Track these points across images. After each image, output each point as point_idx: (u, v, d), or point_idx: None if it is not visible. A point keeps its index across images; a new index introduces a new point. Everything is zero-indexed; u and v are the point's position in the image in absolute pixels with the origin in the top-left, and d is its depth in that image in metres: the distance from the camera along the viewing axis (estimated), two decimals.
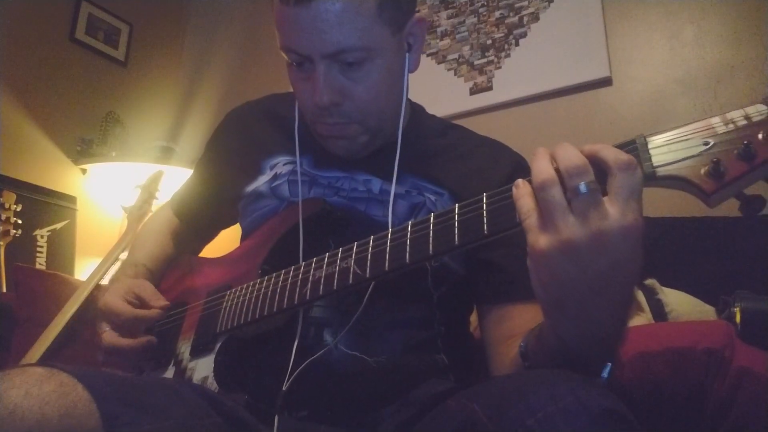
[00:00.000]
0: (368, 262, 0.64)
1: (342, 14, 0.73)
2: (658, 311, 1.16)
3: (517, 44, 2.01)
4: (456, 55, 2.13)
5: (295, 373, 0.72)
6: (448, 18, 2.18)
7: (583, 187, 0.47)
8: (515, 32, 2.03)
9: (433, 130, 0.96)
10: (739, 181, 0.47)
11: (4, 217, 1.87)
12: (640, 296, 1.20)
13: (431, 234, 0.59)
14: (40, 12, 2.32)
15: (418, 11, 0.85)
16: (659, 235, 1.46)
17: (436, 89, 2.12)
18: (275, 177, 0.91)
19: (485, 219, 0.56)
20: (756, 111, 0.48)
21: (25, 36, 2.26)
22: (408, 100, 0.92)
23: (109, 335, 0.87)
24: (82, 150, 2.34)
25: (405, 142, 0.86)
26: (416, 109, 0.98)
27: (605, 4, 1.87)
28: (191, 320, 0.88)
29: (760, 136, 0.47)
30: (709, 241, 1.37)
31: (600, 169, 0.49)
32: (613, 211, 0.47)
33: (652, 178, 0.49)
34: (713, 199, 0.48)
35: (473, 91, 2.06)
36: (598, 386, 0.49)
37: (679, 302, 1.18)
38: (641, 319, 1.14)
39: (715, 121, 0.49)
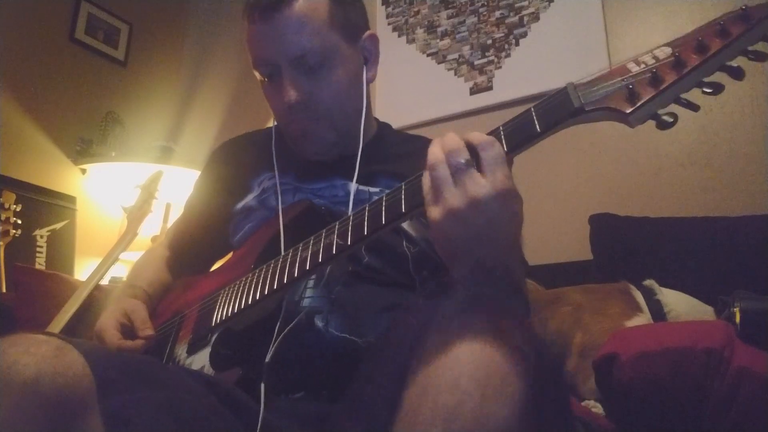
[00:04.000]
0: (349, 232, 0.69)
1: (298, 23, 0.86)
2: (658, 312, 1.16)
3: (517, 44, 2.01)
4: (456, 55, 2.13)
5: (281, 336, 0.76)
6: (448, 18, 2.18)
7: (461, 162, 0.59)
8: (515, 32, 2.03)
9: (398, 139, 1.06)
10: (650, 103, 0.56)
11: (3, 217, 1.87)
12: (639, 297, 1.20)
13: (403, 195, 0.66)
14: (40, 12, 2.32)
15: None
16: (659, 235, 1.46)
17: (436, 89, 2.12)
18: (263, 191, 0.97)
19: None
20: (662, 52, 0.58)
21: (25, 36, 2.26)
22: (375, 118, 1.06)
23: None
24: (82, 150, 2.34)
25: (373, 150, 0.95)
26: (382, 125, 1.07)
27: (605, 4, 1.87)
28: (187, 327, 0.89)
29: (666, 68, 0.57)
30: (709, 241, 1.37)
31: (474, 151, 0.61)
32: (485, 180, 0.58)
33: (581, 112, 0.59)
34: (632, 119, 0.57)
35: (473, 91, 2.06)
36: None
37: (679, 302, 1.19)
38: (640, 319, 1.14)
39: (630, 64, 0.59)
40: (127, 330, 0.88)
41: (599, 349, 0.91)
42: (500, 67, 2.03)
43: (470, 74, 2.08)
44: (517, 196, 0.60)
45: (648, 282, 1.23)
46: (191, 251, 1.10)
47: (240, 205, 0.98)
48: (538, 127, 0.61)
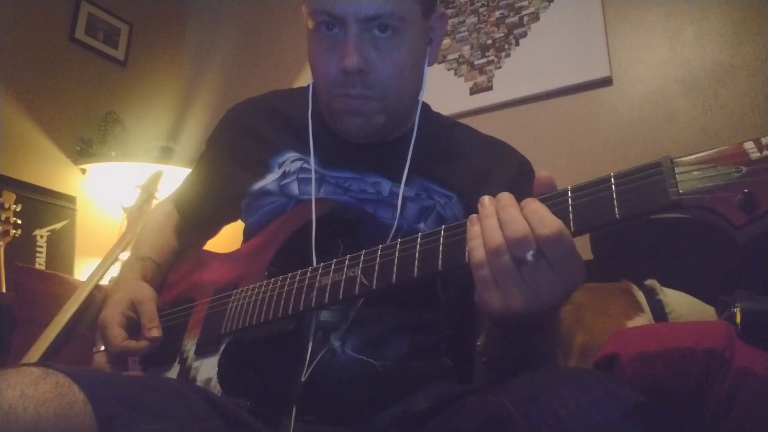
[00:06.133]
0: (375, 272, 0.64)
1: None
2: (659, 312, 1.16)
3: (517, 44, 2.01)
4: (456, 55, 2.13)
5: (310, 368, 0.72)
6: (448, 18, 2.18)
7: (529, 257, 0.52)
8: (515, 32, 2.03)
9: (439, 127, 0.97)
10: None
11: (3, 217, 1.87)
12: (641, 296, 1.20)
13: (441, 248, 0.59)
14: (40, 12, 2.32)
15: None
16: (659, 235, 1.46)
17: (436, 89, 2.10)
18: (284, 175, 0.90)
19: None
20: None
21: (25, 36, 2.26)
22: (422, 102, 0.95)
23: (98, 358, 0.86)
24: (82, 150, 2.34)
25: (414, 141, 0.87)
26: (423, 107, 0.98)
27: (605, 4, 1.87)
28: (197, 317, 0.87)
29: None
30: (709, 241, 1.37)
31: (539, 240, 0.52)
32: (557, 281, 0.51)
33: (677, 206, 0.46)
34: (742, 234, 0.44)
35: (473, 91, 2.05)
36: (626, 382, 0.52)
37: (680, 303, 1.18)
38: (641, 319, 1.13)
39: (749, 146, 0.45)
40: (133, 324, 0.86)
41: (600, 349, 0.91)
42: (500, 67, 2.03)
43: (470, 74, 2.08)
44: (583, 279, 0.54)
45: (650, 282, 1.23)
46: (200, 215, 1.07)
47: (257, 186, 0.91)
48: (617, 212, 0.49)
